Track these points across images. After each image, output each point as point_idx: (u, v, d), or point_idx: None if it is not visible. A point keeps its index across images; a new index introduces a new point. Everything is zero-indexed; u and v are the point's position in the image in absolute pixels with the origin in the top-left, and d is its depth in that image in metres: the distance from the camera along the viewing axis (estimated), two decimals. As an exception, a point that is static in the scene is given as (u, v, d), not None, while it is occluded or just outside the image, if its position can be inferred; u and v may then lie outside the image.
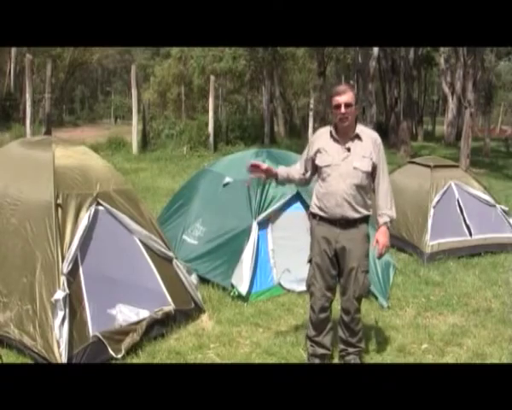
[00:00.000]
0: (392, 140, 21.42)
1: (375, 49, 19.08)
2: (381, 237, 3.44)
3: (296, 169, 3.66)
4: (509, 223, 6.68)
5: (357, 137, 3.41)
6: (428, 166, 6.73)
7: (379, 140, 3.49)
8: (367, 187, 3.45)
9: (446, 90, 27.07)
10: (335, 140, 3.43)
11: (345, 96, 3.32)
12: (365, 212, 3.45)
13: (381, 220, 3.47)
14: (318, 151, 3.47)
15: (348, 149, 3.38)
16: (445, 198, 6.43)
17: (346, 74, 34.99)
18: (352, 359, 3.56)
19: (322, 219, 3.46)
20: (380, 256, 3.54)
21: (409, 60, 20.23)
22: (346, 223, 3.40)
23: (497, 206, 6.75)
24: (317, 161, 3.47)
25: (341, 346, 3.61)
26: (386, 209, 3.47)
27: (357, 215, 3.40)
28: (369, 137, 3.45)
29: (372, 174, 3.45)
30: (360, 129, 3.44)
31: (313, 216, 3.53)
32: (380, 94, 26.96)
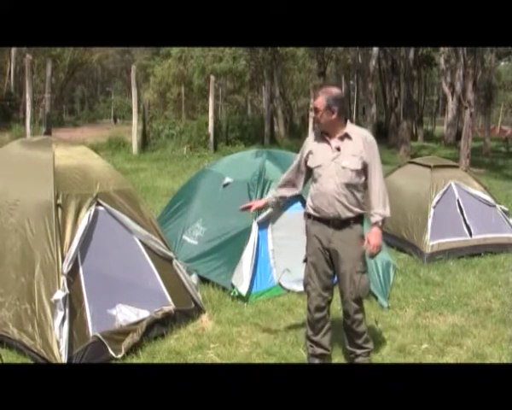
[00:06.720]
0: (392, 140, 21.43)
1: (375, 49, 19.08)
2: (372, 237, 3.37)
3: (286, 178, 3.72)
4: (509, 223, 6.67)
5: (347, 136, 3.39)
6: (428, 166, 6.73)
7: (369, 138, 3.44)
8: (359, 185, 3.40)
9: (446, 90, 27.05)
10: (325, 140, 3.44)
11: (315, 101, 3.44)
12: (359, 210, 3.42)
13: (373, 220, 3.41)
14: (310, 153, 3.50)
15: (338, 149, 3.38)
16: (444, 198, 6.43)
17: (345, 74, 34.93)
18: (362, 361, 3.54)
19: (315, 218, 3.47)
20: (371, 257, 3.50)
21: (409, 60, 20.23)
22: (339, 223, 3.39)
23: (497, 206, 6.75)
24: (309, 163, 3.50)
25: (349, 348, 3.59)
26: (378, 208, 3.38)
27: (350, 214, 3.38)
28: (359, 135, 3.41)
29: (364, 173, 3.40)
30: (350, 128, 3.42)
31: (308, 216, 3.54)
32: (380, 94, 26.97)
